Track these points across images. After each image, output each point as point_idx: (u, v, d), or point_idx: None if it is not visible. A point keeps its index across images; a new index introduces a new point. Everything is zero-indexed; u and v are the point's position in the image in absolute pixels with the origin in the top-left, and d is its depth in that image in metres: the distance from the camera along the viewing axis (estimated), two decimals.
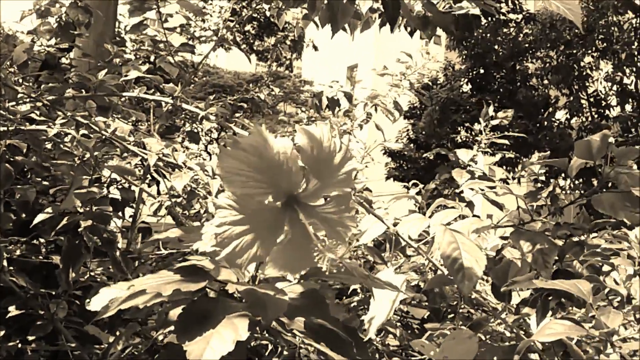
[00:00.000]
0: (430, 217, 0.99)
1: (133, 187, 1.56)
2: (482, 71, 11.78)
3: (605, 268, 0.99)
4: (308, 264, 0.57)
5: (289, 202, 0.55)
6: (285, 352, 1.15)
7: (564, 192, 0.98)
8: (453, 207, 1.01)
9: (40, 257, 1.57)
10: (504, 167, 10.28)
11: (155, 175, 1.65)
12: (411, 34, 1.57)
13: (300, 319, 0.59)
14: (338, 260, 0.54)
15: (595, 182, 0.87)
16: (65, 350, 1.57)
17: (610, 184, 0.85)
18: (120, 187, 1.58)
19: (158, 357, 0.57)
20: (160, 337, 1.23)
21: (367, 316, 0.88)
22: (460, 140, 10.73)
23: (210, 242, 0.52)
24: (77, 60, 2.03)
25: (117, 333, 1.38)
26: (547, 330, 0.73)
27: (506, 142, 1.83)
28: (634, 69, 10.96)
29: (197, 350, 0.50)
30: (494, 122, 1.85)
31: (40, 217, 1.23)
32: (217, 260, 0.61)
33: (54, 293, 1.54)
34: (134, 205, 1.71)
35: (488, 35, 11.27)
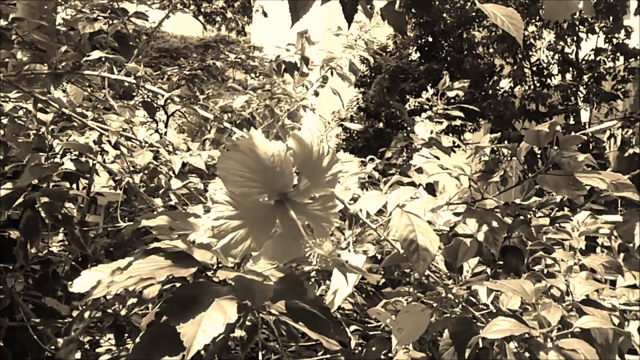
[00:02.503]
0: (386, 193, 1.03)
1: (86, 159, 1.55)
2: (430, 39, 11.89)
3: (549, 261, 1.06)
4: (295, 255, 0.62)
5: (280, 200, 0.60)
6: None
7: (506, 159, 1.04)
8: (409, 184, 1.06)
9: None
10: (451, 135, 10.50)
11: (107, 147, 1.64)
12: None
13: (281, 302, 0.64)
14: (326, 254, 0.58)
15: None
16: (25, 325, 1.57)
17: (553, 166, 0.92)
18: (73, 158, 1.57)
19: (143, 336, 0.60)
20: (123, 312, 1.25)
21: (330, 288, 0.93)
22: (409, 109, 10.86)
23: (206, 234, 0.56)
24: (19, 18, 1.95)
25: (79, 307, 1.40)
26: (494, 327, 0.80)
27: (461, 114, 1.88)
28: (575, 38, 11.28)
29: (190, 333, 0.54)
30: (451, 93, 1.87)
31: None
32: (189, 242, 0.65)
33: (11, 267, 1.53)
34: (87, 177, 1.70)
35: (437, 3, 11.35)
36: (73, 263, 1.52)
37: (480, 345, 0.94)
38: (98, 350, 1.84)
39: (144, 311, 1.24)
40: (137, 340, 0.60)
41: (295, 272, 0.67)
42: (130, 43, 1.88)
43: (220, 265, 0.66)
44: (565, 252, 1.05)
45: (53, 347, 1.62)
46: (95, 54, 1.16)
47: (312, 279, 1.52)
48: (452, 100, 1.95)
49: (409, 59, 12.01)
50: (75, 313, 1.41)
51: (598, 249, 1.26)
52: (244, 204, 0.58)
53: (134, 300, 1.14)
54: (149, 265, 0.61)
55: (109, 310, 1.28)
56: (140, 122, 1.40)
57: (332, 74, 1.95)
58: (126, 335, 1.46)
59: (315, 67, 2.14)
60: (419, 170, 1.38)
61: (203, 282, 0.64)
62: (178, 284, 0.67)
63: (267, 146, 0.56)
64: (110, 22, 1.83)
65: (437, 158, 1.55)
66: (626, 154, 10.13)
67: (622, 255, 1.18)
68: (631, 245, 1.08)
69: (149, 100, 2.54)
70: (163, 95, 1.31)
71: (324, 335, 0.62)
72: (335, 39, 2.18)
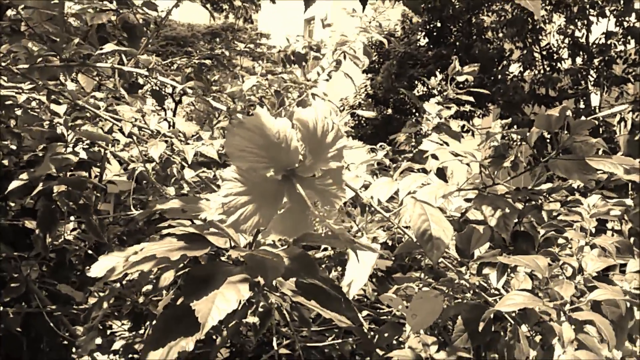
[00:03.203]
0: (397, 179, 1.04)
1: (97, 148, 1.56)
2: (439, 24, 11.81)
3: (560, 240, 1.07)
4: (304, 230, 0.64)
5: (287, 175, 0.62)
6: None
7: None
8: (420, 171, 1.07)
9: (10, 220, 1.58)
10: (460, 120, 10.46)
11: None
12: None
13: (291, 280, 0.66)
14: (331, 226, 0.60)
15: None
16: (40, 312, 1.60)
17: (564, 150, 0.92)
18: (85, 147, 1.59)
19: (159, 319, 0.62)
20: (141, 300, 1.28)
21: (345, 278, 0.94)
22: (417, 95, 10.80)
23: (217, 211, 0.57)
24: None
25: (95, 294, 1.42)
26: (508, 300, 0.81)
27: (471, 99, 1.87)
28: (585, 22, 11.17)
29: (204, 309, 0.56)
30: (461, 78, 1.86)
31: (15, 184, 1.24)
32: (201, 224, 0.66)
33: (26, 255, 1.56)
34: (99, 165, 1.72)
35: None
36: (88, 251, 1.54)
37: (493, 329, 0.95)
38: (111, 336, 1.87)
39: (159, 298, 1.26)
40: (154, 322, 0.62)
41: (306, 252, 0.68)
42: (138, 34, 1.88)
43: (233, 247, 0.68)
44: (577, 232, 1.06)
45: (68, 333, 1.65)
46: (108, 47, 1.17)
47: (323, 265, 1.54)
48: (462, 86, 1.94)
49: (417, 44, 11.94)
50: (91, 300, 1.43)
51: (608, 233, 1.27)
52: (252, 180, 0.60)
53: (150, 287, 1.16)
54: (162, 247, 0.63)
55: (127, 298, 1.30)
56: (150, 111, 1.40)
57: (344, 57, 1.95)
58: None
59: (327, 51, 2.12)
60: (434, 157, 1.38)
61: (216, 263, 0.66)
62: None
63: (273, 123, 0.58)
64: (119, 12, 1.84)
65: (447, 144, 1.55)
66: (636, 138, 10.06)
67: (632, 239, 1.19)
68: None
69: (158, 89, 2.55)
70: (176, 87, 1.31)
71: (337, 312, 0.64)
72: (345, 23, 2.18)
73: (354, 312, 0.67)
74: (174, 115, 1.64)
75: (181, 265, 0.67)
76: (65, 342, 1.75)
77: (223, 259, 0.68)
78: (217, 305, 0.57)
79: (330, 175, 0.64)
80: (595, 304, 0.92)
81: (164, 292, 1.24)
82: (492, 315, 0.93)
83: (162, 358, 0.57)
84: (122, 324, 1.95)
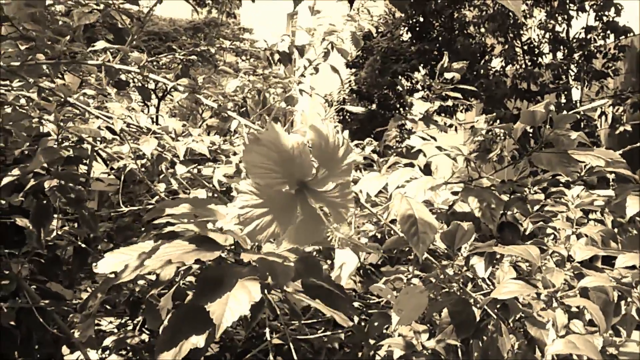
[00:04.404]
0: (384, 174, 1.06)
1: (85, 145, 1.57)
2: (421, 19, 11.86)
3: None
4: (317, 239, 0.67)
5: (300, 188, 0.65)
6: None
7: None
8: (407, 165, 1.09)
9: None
10: (443, 115, 10.55)
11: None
12: None
13: (297, 282, 0.68)
14: (345, 237, 0.63)
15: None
16: (30, 307, 1.60)
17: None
18: (72, 144, 1.59)
19: (170, 318, 0.64)
20: (138, 288, 1.29)
21: (335, 265, 0.96)
22: (400, 90, 10.84)
23: (233, 222, 0.60)
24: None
25: (88, 290, 1.43)
26: (504, 289, 0.84)
27: (459, 95, 1.90)
28: (565, 17, 11.28)
29: (218, 311, 0.58)
30: (449, 75, 1.88)
31: (6, 179, 1.24)
32: (203, 225, 0.68)
33: (16, 253, 1.56)
34: (86, 163, 1.72)
35: None
36: (81, 245, 1.54)
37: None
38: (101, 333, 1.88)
39: (160, 291, 1.27)
40: (165, 321, 0.64)
41: (311, 254, 0.71)
42: (124, 34, 1.88)
43: (236, 246, 0.70)
44: (564, 222, 1.09)
45: (57, 329, 1.66)
46: (100, 44, 1.18)
47: None
48: (446, 81, 1.96)
49: (400, 39, 11.98)
50: (83, 295, 1.44)
51: (591, 223, 1.31)
52: (268, 193, 0.63)
53: (147, 281, 1.17)
54: (177, 250, 0.65)
55: (124, 288, 1.31)
56: (139, 108, 1.41)
57: (332, 48, 1.95)
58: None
59: (314, 40, 2.12)
60: (421, 152, 1.41)
61: (226, 265, 0.68)
62: (195, 266, 0.70)
63: (288, 139, 0.61)
64: (103, 10, 1.84)
65: (434, 139, 1.58)
66: (617, 132, 10.20)
67: (616, 230, 1.22)
68: (625, 220, 1.12)
69: (141, 85, 2.55)
70: (158, 84, 1.32)
71: (340, 310, 0.66)
72: (330, 13, 2.18)
73: (354, 310, 0.70)
74: (157, 112, 1.65)
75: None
76: (55, 339, 1.75)
77: (228, 258, 0.70)
78: (230, 307, 0.60)
79: (341, 188, 0.67)
80: (583, 291, 0.96)
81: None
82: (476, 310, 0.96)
83: (174, 357, 0.59)
84: (110, 322, 1.96)
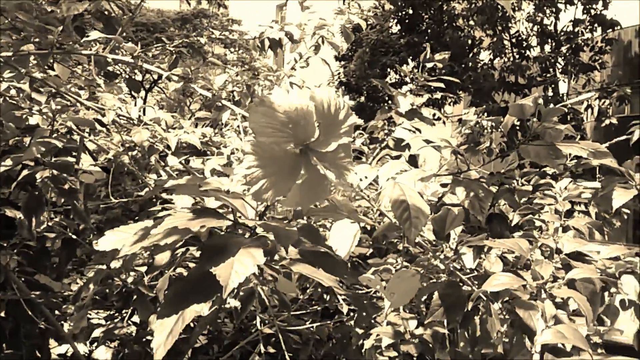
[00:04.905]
0: (374, 165, 1.08)
1: (75, 136, 1.56)
2: (410, 12, 11.86)
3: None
4: (320, 199, 0.69)
5: (304, 149, 0.67)
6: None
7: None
8: (397, 157, 1.10)
9: None
10: (431, 108, 10.58)
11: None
12: None
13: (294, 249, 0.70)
14: (337, 198, 0.64)
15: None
16: (18, 299, 1.60)
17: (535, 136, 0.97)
18: (61, 135, 1.59)
19: (170, 291, 0.65)
20: (130, 280, 1.29)
21: (332, 244, 0.97)
22: (390, 82, 10.83)
23: (239, 183, 0.61)
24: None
25: (77, 282, 1.43)
26: (494, 281, 0.86)
27: (441, 85, 1.91)
28: (553, 10, 11.33)
29: (225, 274, 0.60)
30: (430, 65, 1.90)
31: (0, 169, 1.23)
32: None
33: (4, 244, 1.55)
34: (76, 154, 1.72)
35: None
36: (71, 236, 1.54)
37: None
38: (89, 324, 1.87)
39: (151, 283, 1.28)
40: (165, 295, 0.65)
41: (310, 223, 0.73)
42: (114, 24, 1.87)
43: (233, 215, 0.71)
44: (552, 214, 1.11)
45: (45, 320, 1.65)
46: (94, 35, 1.18)
47: None
48: (434, 74, 1.97)
49: (390, 32, 11.98)
50: (74, 287, 1.44)
51: (576, 214, 1.33)
52: (272, 154, 0.65)
53: (138, 273, 1.18)
54: (181, 220, 0.65)
55: (116, 279, 1.31)
56: (130, 99, 1.41)
57: (323, 42, 1.96)
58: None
59: (304, 35, 2.12)
60: (407, 145, 1.42)
61: (228, 234, 0.69)
62: (192, 248, 0.71)
63: (291, 101, 0.63)
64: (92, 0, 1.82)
65: (419, 131, 1.59)
66: (603, 125, 10.29)
67: (601, 222, 1.25)
68: (612, 212, 1.15)
69: (130, 77, 2.54)
70: (146, 75, 1.32)
71: (341, 276, 0.69)
72: (320, 6, 2.17)
73: (355, 275, 0.72)
74: (144, 103, 1.65)
75: (182, 244, 0.70)
76: (43, 331, 1.75)
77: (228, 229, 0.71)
78: (236, 269, 0.61)
79: (342, 149, 0.70)
80: (570, 282, 0.98)
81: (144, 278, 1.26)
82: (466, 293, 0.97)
83: (175, 324, 0.60)
84: (98, 313, 1.96)
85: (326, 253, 0.72)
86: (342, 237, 0.96)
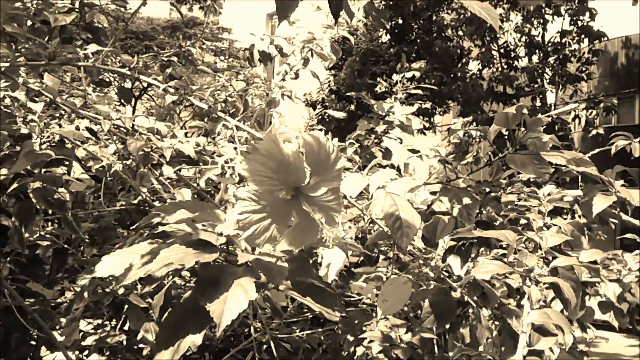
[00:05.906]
0: (366, 174, 1.10)
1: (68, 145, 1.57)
2: (400, 22, 11.95)
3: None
4: (311, 241, 0.71)
5: (295, 194, 0.69)
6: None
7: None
8: (388, 166, 1.13)
9: None
10: (421, 117, 10.66)
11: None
12: None
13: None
14: (338, 238, 0.67)
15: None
16: (8, 307, 1.60)
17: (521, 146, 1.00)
18: (54, 144, 1.60)
19: (168, 316, 0.67)
20: (121, 291, 1.30)
21: (323, 264, 1.00)
22: (379, 91, 10.89)
23: (232, 227, 0.63)
24: None
25: (71, 289, 1.43)
26: (483, 268, 0.89)
27: (419, 92, 1.96)
28: (541, 21, 11.47)
29: (218, 310, 0.62)
30: (409, 74, 1.95)
31: None
32: (195, 226, 0.71)
33: None
34: (68, 164, 1.73)
35: None
36: (63, 245, 1.55)
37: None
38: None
39: (144, 292, 1.29)
40: (163, 319, 0.67)
41: (302, 253, 0.75)
42: (101, 35, 1.88)
43: (227, 245, 0.73)
44: (536, 214, 1.16)
45: (36, 328, 1.66)
46: (92, 47, 1.20)
47: None
48: (423, 83, 2.02)
49: (380, 41, 12.06)
50: (68, 294, 1.44)
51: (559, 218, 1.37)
52: (266, 199, 0.67)
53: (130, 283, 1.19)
54: (176, 253, 0.68)
55: (107, 290, 1.32)
56: (117, 108, 1.43)
57: (312, 55, 1.99)
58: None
59: (294, 48, 2.15)
60: (390, 155, 1.45)
61: (222, 265, 0.71)
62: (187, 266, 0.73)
63: (283, 148, 0.65)
64: (83, 13, 1.84)
65: (401, 140, 1.62)
66: (590, 135, 10.40)
67: (583, 223, 1.29)
68: (593, 217, 1.18)
69: (122, 86, 2.54)
70: (135, 84, 1.33)
71: (329, 307, 0.70)
72: (310, 18, 2.20)
73: (342, 307, 0.74)
74: (133, 112, 1.66)
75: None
76: (34, 339, 1.75)
77: (219, 259, 0.73)
78: (229, 306, 0.63)
79: (331, 192, 0.72)
80: (553, 271, 1.02)
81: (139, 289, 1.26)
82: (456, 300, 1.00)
83: (172, 355, 0.62)
84: (89, 322, 1.96)
85: (317, 286, 0.75)
86: (332, 262, 0.99)
